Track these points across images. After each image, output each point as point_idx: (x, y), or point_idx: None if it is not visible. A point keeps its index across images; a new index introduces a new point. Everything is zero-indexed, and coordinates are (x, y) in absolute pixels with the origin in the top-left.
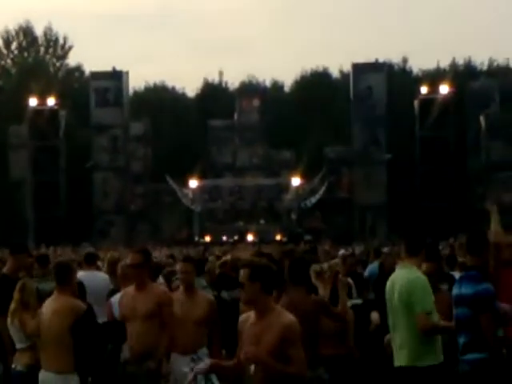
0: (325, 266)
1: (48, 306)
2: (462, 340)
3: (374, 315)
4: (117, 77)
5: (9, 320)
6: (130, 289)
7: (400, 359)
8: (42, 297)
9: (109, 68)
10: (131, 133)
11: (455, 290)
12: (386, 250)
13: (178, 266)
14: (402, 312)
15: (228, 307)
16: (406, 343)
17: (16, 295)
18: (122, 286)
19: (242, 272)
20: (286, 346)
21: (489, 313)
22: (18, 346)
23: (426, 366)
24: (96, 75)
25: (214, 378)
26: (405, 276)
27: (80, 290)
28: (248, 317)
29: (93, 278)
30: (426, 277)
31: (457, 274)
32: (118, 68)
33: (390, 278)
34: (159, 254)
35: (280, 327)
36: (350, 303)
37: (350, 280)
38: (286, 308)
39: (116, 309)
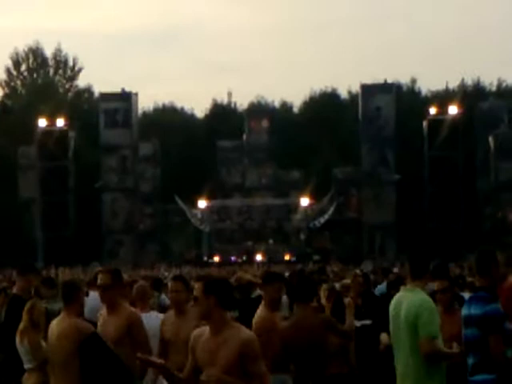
0: (337, 285)
1: (54, 328)
2: (470, 361)
3: (384, 336)
4: (126, 98)
5: (17, 340)
6: (104, 311)
7: (403, 382)
8: (50, 318)
9: (118, 89)
10: (140, 153)
11: (464, 311)
12: (395, 269)
13: (169, 285)
14: (406, 334)
15: None
16: (409, 367)
17: (25, 315)
18: (136, 307)
19: (197, 286)
20: (245, 363)
21: (498, 333)
22: (26, 366)
23: None
24: (105, 96)
25: None
26: (412, 299)
27: None
28: (202, 331)
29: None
30: (441, 293)
31: (466, 295)
32: (127, 89)
33: (395, 299)
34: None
35: (238, 343)
36: (359, 324)
37: (358, 300)
38: (292, 326)
39: None
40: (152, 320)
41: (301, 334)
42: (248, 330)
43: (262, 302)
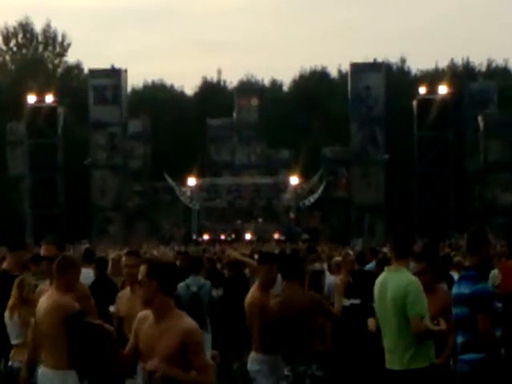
0: (338, 258)
1: (42, 302)
2: (460, 339)
3: (371, 321)
4: (115, 75)
5: (7, 315)
6: (47, 286)
7: (392, 362)
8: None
9: (107, 66)
10: (129, 131)
11: (454, 290)
12: (384, 249)
13: (122, 260)
14: (394, 315)
15: (216, 305)
16: (398, 346)
17: (14, 291)
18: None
19: (141, 269)
20: (187, 353)
21: (486, 313)
22: (14, 341)
23: (418, 368)
24: (95, 73)
25: None
26: (398, 279)
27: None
28: (147, 315)
29: (89, 277)
30: (423, 275)
31: (455, 275)
32: (117, 66)
33: (379, 281)
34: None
35: (180, 332)
36: (348, 303)
37: (349, 278)
38: (280, 303)
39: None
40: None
41: (288, 310)
42: (190, 319)
43: (256, 282)
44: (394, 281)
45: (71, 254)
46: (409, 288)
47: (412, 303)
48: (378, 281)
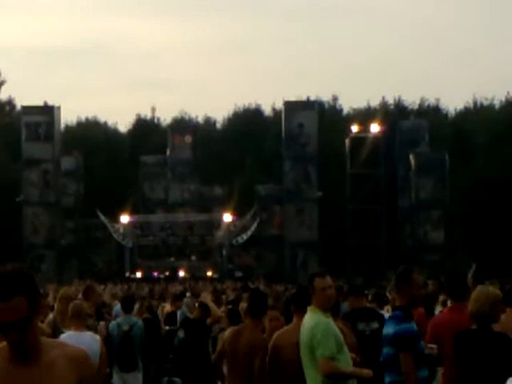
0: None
1: None
2: (387, 380)
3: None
4: (48, 111)
5: None
6: None
7: None
8: None
9: (40, 103)
10: (63, 167)
11: (383, 330)
12: None
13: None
14: (306, 355)
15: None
16: None
17: None
18: (71, 327)
19: None
20: None
21: (408, 352)
22: None
23: None
24: (27, 110)
25: None
26: (308, 320)
27: None
28: None
29: None
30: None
31: (386, 313)
32: (50, 103)
33: (303, 322)
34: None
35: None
36: None
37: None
38: (232, 338)
39: None
40: (83, 339)
41: (236, 346)
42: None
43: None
44: (306, 323)
45: None
46: (315, 330)
47: (318, 344)
48: (303, 323)
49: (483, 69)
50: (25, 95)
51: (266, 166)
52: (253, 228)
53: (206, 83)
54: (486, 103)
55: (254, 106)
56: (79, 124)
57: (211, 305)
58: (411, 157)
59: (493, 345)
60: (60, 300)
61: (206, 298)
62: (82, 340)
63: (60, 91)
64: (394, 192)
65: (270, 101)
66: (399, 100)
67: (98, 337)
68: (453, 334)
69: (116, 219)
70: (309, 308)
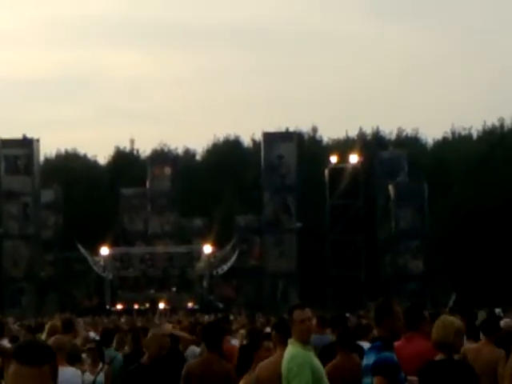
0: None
1: None
2: None
3: None
4: (27, 144)
5: None
6: None
7: None
8: None
9: (19, 136)
10: (42, 200)
11: (363, 361)
12: None
13: None
14: None
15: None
16: None
17: None
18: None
19: None
20: None
21: (384, 377)
22: None
23: None
24: (6, 143)
25: None
26: (286, 353)
27: None
28: None
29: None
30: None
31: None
32: (29, 135)
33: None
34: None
35: None
36: None
37: None
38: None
39: None
40: (66, 377)
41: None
42: None
43: None
44: (285, 356)
45: None
46: (291, 363)
47: (293, 377)
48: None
49: (461, 98)
50: (3, 128)
51: (245, 197)
52: (233, 259)
53: (184, 114)
54: (463, 133)
55: (233, 137)
56: (58, 156)
57: (176, 332)
58: (390, 187)
59: (460, 375)
60: (48, 334)
61: (168, 328)
62: (65, 377)
63: (39, 124)
64: (374, 222)
65: (249, 132)
66: (377, 130)
67: (79, 372)
68: (408, 361)
69: (96, 251)
70: (289, 341)
